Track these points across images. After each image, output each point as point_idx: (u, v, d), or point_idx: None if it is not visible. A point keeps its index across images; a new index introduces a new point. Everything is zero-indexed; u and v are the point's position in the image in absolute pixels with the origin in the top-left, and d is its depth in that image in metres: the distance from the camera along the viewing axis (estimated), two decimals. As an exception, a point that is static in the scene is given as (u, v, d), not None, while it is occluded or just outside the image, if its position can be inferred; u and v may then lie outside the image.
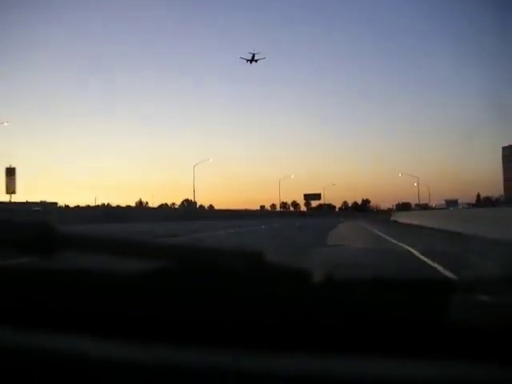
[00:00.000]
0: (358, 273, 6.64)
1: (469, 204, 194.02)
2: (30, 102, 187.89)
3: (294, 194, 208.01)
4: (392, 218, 52.92)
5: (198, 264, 0.86)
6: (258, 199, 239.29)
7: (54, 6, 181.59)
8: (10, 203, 54.83)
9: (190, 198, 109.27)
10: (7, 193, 60.40)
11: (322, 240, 17.30)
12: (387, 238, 19.12)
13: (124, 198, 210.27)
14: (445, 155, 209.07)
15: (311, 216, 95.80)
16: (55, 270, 0.86)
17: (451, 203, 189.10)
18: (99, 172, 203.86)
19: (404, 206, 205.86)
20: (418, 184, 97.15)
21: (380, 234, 22.21)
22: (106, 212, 50.80)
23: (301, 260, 9.53)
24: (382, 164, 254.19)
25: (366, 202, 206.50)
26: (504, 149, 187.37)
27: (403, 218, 42.87)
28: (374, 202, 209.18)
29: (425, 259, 10.05)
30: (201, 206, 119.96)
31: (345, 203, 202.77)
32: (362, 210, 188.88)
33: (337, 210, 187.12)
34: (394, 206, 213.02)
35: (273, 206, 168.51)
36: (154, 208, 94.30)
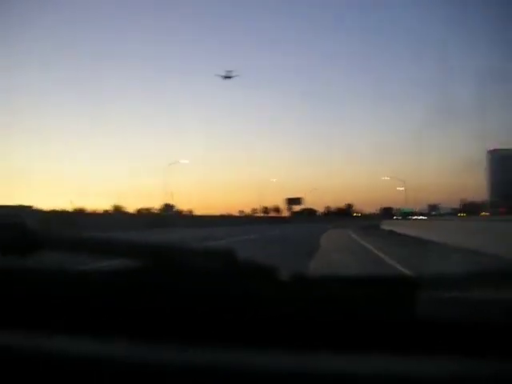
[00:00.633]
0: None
1: (453, 209, 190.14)
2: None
3: (275, 199, 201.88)
4: (383, 227, 45.02)
5: (171, 263, 0.87)
6: (240, 204, 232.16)
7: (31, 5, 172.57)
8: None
9: (171, 202, 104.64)
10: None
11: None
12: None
13: (102, 202, 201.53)
14: (428, 159, 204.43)
15: (291, 222, 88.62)
16: (36, 269, 0.87)
17: (433, 208, 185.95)
18: (76, 176, 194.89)
19: (387, 211, 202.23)
20: (404, 188, 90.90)
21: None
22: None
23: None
24: (364, 168, 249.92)
25: (348, 206, 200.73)
26: (489, 153, 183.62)
27: (398, 227, 34.16)
28: (357, 206, 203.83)
29: None
30: (178, 212, 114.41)
31: (327, 208, 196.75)
32: (345, 214, 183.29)
33: (319, 214, 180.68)
34: (378, 211, 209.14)
35: (254, 210, 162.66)
36: (123, 213, 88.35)
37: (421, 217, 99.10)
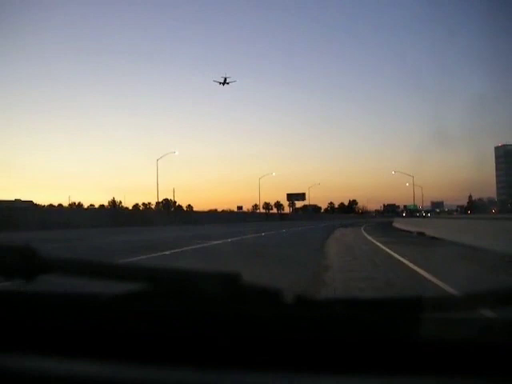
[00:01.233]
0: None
1: (459, 206, 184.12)
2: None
3: (277, 194, 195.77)
4: (398, 225, 38.95)
5: (174, 286, 0.87)
6: (241, 199, 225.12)
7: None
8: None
9: (170, 197, 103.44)
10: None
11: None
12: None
13: (99, 197, 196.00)
14: (435, 155, 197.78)
15: (292, 220, 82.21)
16: (39, 293, 0.89)
17: (436, 205, 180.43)
18: (73, 170, 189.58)
19: (390, 208, 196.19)
20: (413, 184, 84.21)
21: None
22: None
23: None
24: (369, 164, 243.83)
25: (352, 202, 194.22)
26: (497, 149, 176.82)
27: (421, 227, 26.26)
28: (360, 203, 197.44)
29: None
30: (179, 207, 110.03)
31: (331, 204, 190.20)
32: (348, 211, 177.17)
33: (322, 211, 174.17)
34: (382, 207, 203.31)
35: (255, 206, 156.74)
36: (121, 209, 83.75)
37: (428, 214, 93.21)
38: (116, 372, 0.72)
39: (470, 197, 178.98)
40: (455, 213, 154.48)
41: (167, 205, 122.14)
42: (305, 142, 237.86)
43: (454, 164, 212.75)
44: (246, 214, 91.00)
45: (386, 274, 8.50)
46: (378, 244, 16.77)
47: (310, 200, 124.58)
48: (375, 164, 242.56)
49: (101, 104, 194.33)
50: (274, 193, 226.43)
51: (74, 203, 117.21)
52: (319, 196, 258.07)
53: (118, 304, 0.85)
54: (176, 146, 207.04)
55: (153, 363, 0.73)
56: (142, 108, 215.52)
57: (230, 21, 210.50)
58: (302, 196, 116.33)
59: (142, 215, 55.88)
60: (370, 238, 21.66)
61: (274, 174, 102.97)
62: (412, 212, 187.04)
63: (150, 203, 65.54)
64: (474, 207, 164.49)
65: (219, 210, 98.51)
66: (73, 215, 42.30)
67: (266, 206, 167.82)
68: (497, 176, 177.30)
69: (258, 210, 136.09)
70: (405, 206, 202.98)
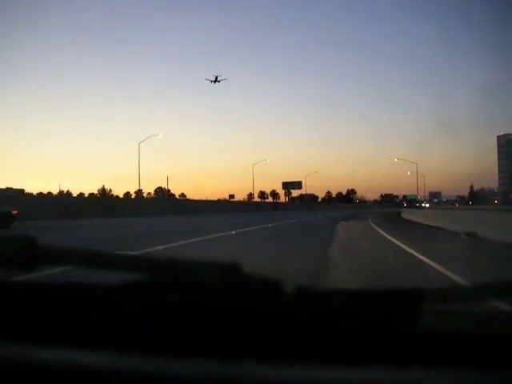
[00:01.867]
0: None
1: (458, 197, 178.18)
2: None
3: (274, 183, 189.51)
4: (410, 217, 33.16)
5: (174, 276, 0.86)
6: (236, 188, 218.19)
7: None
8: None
9: (164, 186, 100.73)
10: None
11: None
12: None
13: (90, 185, 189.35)
14: (434, 145, 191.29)
15: (287, 210, 75.17)
16: (39, 283, 0.89)
17: (434, 195, 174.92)
18: (64, 158, 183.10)
19: (388, 198, 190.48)
20: (417, 172, 77.87)
21: None
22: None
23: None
24: (368, 153, 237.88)
25: (350, 192, 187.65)
26: (499, 138, 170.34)
27: (439, 220, 21.61)
28: (360, 192, 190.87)
29: None
30: (172, 196, 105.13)
31: (328, 193, 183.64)
32: (346, 201, 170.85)
33: (319, 200, 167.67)
34: (380, 197, 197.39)
35: (250, 195, 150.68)
36: (111, 197, 78.35)
37: (427, 205, 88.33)
38: (116, 362, 0.71)
39: (472, 187, 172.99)
40: (456, 204, 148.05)
41: (162, 194, 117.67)
42: (302, 129, 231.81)
43: (452, 154, 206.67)
44: (237, 203, 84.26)
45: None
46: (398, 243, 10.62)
47: (306, 189, 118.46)
48: (374, 153, 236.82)
49: (94, 92, 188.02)
50: (270, 182, 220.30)
51: (63, 191, 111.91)
52: (317, 185, 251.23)
53: (117, 294, 0.85)
54: (168, 134, 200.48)
55: (152, 353, 0.73)
56: (134, 97, 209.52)
57: (226, 3, 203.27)
58: (298, 184, 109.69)
59: (133, 204, 51.15)
60: (378, 230, 16.63)
61: (267, 160, 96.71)
62: (411, 202, 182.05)
63: (141, 191, 60.70)
64: (475, 198, 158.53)
65: (213, 199, 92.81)
66: (58, 204, 37.62)
67: (262, 194, 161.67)
68: (498, 166, 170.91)
69: (253, 199, 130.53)
70: (404, 196, 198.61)
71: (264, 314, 0.76)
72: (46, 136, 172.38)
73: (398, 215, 41.40)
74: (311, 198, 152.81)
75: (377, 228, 21.41)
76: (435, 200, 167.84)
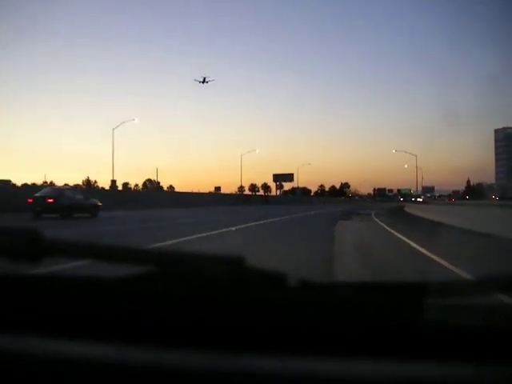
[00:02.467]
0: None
1: (454, 191, 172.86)
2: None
3: (265, 176, 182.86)
4: (414, 213, 29.14)
5: (177, 270, 0.86)
6: (227, 181, 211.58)
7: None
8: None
9: (153, 178, 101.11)
10: None
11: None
12: None
13: (75, 175, 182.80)
14: (431, 139, 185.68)
15: (277, 204, 68.38)
16: (44, 276, 0.88)
17: (427, 190, 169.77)
18: (49, 149, 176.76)
19: (382, 192, 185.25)
20: (416, 164, 71.57)
21: None
22: None
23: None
24: (362, 146, 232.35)
25: (344, 185, 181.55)
26: (496, 132, 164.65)
27: (455, 218, 17.40)
28: (353, 186, 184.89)
29: None
30: (159, 188, 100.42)
31: (321, 187, 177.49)
32: (339, 195, 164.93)
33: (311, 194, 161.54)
34: (373, 191, 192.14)
35: (241, 188, 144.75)
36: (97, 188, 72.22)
37: (419, 199, 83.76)
38: (119, 355, 0.71)
39: (469, 181, 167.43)
40: (453, 198, 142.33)
41: (151, 185, 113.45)
42: (295, 122, 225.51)
43: (447, 148, 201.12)
44: (224, 196, 77.57)
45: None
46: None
47: (299, 182, 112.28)
48: (368, 146, 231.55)
49: (81, 80, 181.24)
50: (262, 175, 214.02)
51: (46, 182, 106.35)
52: (310, 179, 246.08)
53: (120, 287, 0.84)
54: (157, 124, 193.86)
55: (155, 346, 0.72)
56: (123, 87, 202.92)
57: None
58: (289, 177, 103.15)
59: (120, 196, 46.25)
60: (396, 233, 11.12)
61: (257, 151, 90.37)
62: (406, 196, 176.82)
63: (115, 181, 55.17)
64: (471, 192, 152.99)
65: (201, 191, 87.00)
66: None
67: (253, 187, 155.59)
68: (496, 160, 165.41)
69: (243, 192, 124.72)
70: (398, 190, 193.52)
71: (268, 308, 0.76)
72: (31, 127, 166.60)
73: (401, 210, 36.45)
74: (304, 192, 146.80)
75: (385, 226, 15.91)
76: (428, 195, 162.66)
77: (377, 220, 22.90)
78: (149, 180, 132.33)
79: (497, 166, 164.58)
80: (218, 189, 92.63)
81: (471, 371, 0.66)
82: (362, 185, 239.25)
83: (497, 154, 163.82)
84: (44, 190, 23.81)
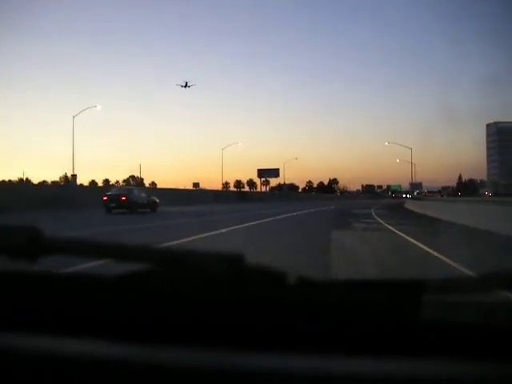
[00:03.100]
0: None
1: (444, 187, 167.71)
2: None
3: (252, 173, 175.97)
4: (417, 210, 27.15)
5: (176, 267, 0.85)
6: (213, 177, 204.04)
7: None
8: None
9: (137, 174, 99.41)
10: None
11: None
12: None
13: (54, 173, 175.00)
14: (420, 134, 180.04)
15: (260, 201, 61.65)
16: (43, 274, 0.88)
17: (415, 186, 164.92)
18: (27, 145, 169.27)
19: (371, 189, 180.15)
20: (411, 159, 65.13)
21: None
22: None
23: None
24: (351, 140, 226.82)
25: (333, 181, 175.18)
26: (488, 126, 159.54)
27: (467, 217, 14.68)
28: (342, 182, 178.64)
29: None
30: (140, 184, 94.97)
31: (309, 183, 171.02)
32: (328, 191, 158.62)
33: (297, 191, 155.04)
34: (362, 188, 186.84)
35: (225, 184, 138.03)
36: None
37: (409, 195, 78.53)
38: (118, 353, 0.71)
39: (460, 177, 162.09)
40: (443, 195, 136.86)
41: (134, 182, 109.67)
42: (282, 116, 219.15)
43: (435, 144, 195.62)
44: (204, 192, 70.36)
45: None
46: None
47: (286, 178, 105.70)
48: (358, 141, 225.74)
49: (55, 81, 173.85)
50: (249, 171, 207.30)
51: (22, 179, 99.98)
52: (298, 175, 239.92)
53: (120, 285, 0.84)
54: (138, 122, 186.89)
55: (154, 344, 0.72)
56: (97, 82, 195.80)
57: None
58: (275, 172, 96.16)
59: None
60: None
61: (239, 143, 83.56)
62: (395, 193, 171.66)
63: (107, 180, 50.00)
64: (462, 188, 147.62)
65: (182, 187, 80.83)
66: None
67: (238, 184, 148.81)
68: (488, 155, 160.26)
69: (228, 189, 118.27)
70: (388, 187, 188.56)
71: (268, 306, 0.76)
72: (6, 123, 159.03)
73: (403, 209, 30.96)
74: (291, 188, 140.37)
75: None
76: (417, 191, 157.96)
77: (390, 227, 15.86)
78: (132, 176, 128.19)
79: (488, 161, 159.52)
80: (196, 185, 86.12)
81: (472, 369, 0.66)
82: (351, 181, 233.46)
83: (488, 149, 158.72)
84: (115, 189, 28.49)
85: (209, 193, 60.83)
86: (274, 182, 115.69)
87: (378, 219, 20.49)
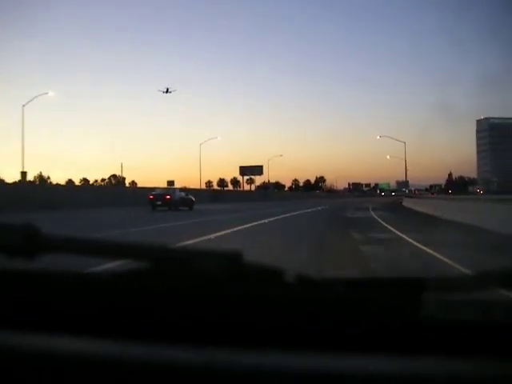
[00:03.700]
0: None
1: (434, 185, 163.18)
2: None
3: (236, 171, 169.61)
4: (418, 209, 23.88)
5: (175, 265, 0.84)
6: (195, 176, 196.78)
7: None
8: None
9: (119, 173, 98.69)
10: None
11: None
12: None
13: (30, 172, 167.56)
14: (412, 130, 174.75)
15: (238, 201, 54.43)
16: (41, 272, 0.87)
17: (402, 185, 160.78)
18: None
19: (358, 187, 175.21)
20: (405, 154, 59.70)
21: None
22: None
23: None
24: (337, 137, 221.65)
25: (319, 179, 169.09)
26: (479, 122, 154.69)
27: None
28: (329, 180, 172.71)
29: None
30: (118, 184, 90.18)
31: (295, 181, 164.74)
32: (315, 189, 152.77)
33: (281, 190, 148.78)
34: (348, 186, 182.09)
35: (209, 183, 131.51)
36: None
37: (393, 193, 73.52)
38: (117, 351, 0.71)
39: (450, 174, 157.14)
40: (433, 193, 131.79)
41: (117, 182, 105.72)
42: (267, 113, 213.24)
43: (423, 142, 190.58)
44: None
45: None
46: None
47: (271, 177, 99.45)
48: (345, 138, 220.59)
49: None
50: (234, 170, 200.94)
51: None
52: (283, 173, 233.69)
53: (118, 283, 0.84)
54: (119, 120, 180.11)
55: (153, 343, 0.72)
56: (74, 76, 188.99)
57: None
58: (258, 169, 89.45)
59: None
60: None
61: (218, 138, 77.13)
62: (384, 191, 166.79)
63: (25, 173, 43.57)
64: (453, 186, 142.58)
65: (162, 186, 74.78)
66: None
67: (221, 182, 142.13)
68: (478, 152, 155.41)
69: (211, 187, 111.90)
70: (376, 185, 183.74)
71: (267, 304, 0.75)
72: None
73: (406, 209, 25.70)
74: (277, 187, 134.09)
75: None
76: (404, 189, 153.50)
77: (428, 250, 9.00)
78: (114, 176, 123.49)
79: (479, 158, 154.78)
80: (170, 183, 79.76)
81: (471, 367, 0.66)
82: (338, 179, 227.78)
83: (478, 145, 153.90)
84: (159, 190, 32.25)
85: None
86: (259, 180, 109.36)
87: (391, 228, 13.92)
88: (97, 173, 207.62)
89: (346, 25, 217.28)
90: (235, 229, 13.46)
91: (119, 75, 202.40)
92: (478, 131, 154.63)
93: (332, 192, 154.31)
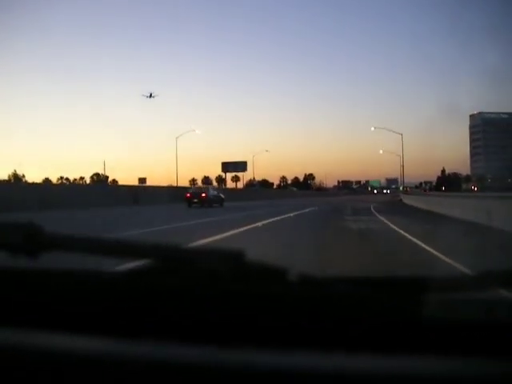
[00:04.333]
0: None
1: (425, 182, 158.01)
2: None
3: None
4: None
5: (177, 263, 0.84)
6: (180, 174, 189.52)
7: None
8: None
9: (101, 171, 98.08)
10: None
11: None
12: None
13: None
14: (404, 126, 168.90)
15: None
16: (43, 270, 0.86)
17: (392, 182, 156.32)
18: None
19: (347, 185, 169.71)
20: (402, 144, 53.64)
21: None
22: None
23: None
24: (326, 133, 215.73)
25: (308, 177, 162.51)
26: (472, 117, 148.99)
27: None
28: (318, 178, 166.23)
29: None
30: (101, 182, 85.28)
31: (283, 178, 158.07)
32: (304, 187, 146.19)
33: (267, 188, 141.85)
34: (339, 184, 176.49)
35: (193, 181, 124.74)
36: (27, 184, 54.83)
37: (386, 191, 67.65)
38: (119, 349, 0.71)
39: (443, 171, 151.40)
40: (426, 190, 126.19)
41: (99, 180, 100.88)
42: (256, 107, 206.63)
43: (414, 139, 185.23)
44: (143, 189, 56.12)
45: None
46: None
47: (256, 173, 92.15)
48: (335, 134, 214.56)
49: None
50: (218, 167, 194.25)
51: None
52: (270, 171, 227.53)
53: (121, 282, 0.84)
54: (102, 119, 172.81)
55: (155, 341, 0.71)
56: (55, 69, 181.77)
57: None
58: (242, 166, 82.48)
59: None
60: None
61: (196, 131, 69.60)
62: (375, 188, 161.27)
63: (63, 177, 38.83)
64: (446, 183, 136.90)
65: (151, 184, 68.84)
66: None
67: (206, 180, 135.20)
68: (471, 148, 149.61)
69: (195, 185, 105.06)
70: (367, 182, 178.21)
71: (269, 303, 0.75)
72: None
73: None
74: (263, 185, 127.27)
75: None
76: (393, 186, 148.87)
77: None
78: (97, 174, 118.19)
79: (472, 154, 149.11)
80: (142, 180, 72.76)
81: (472, 366, 0.66)
82: (328, 176, 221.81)
83: (472, 141, 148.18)
84: (195, 188, 39.96)
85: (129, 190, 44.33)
86: (246, 177, 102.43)
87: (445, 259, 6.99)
88: (75, 172, 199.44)
89: (339, 20, 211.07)
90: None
91: (100, 74, 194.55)
92: (470, 126, 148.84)
93: (322, 190, 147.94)
